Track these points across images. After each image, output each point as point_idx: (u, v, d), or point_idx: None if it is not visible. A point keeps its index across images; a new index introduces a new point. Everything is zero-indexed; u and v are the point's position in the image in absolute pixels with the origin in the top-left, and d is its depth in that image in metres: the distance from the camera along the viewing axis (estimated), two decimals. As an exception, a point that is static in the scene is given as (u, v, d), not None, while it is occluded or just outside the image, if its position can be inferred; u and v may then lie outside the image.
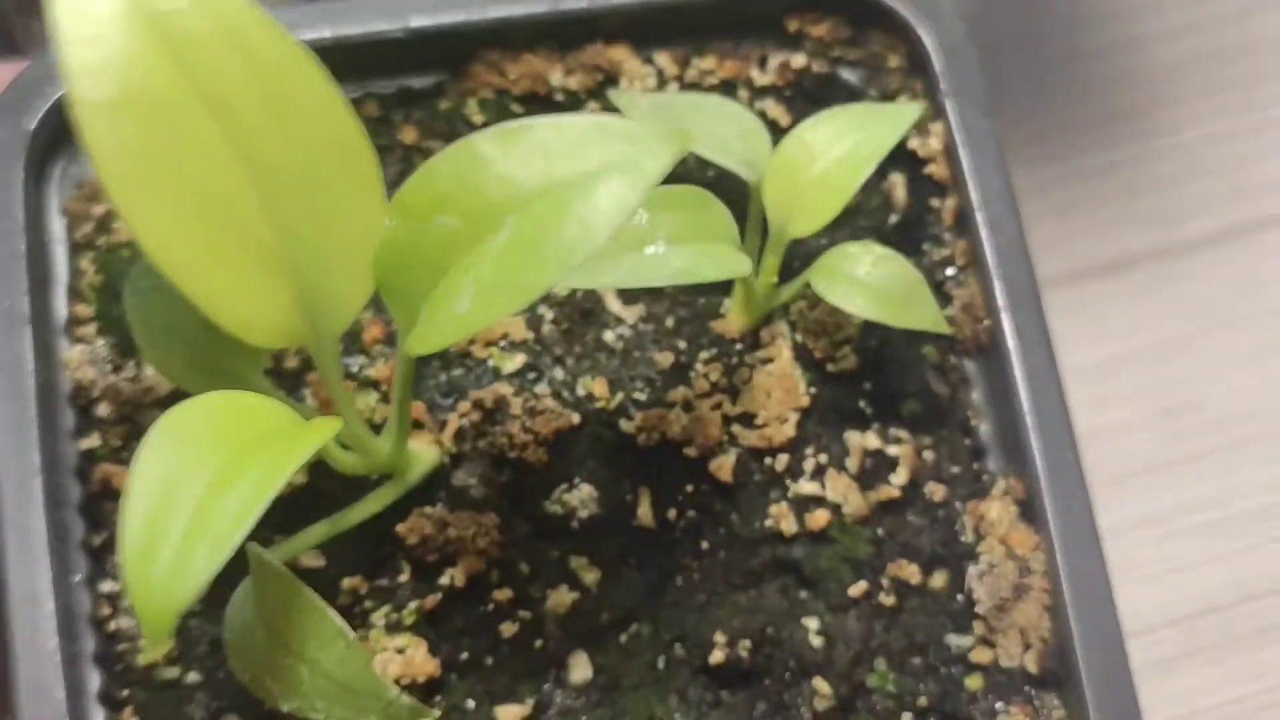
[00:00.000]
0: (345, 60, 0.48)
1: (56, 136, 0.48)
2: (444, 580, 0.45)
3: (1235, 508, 0.77)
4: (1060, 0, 0.86)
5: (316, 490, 0.46)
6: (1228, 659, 0.74)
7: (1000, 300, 0.47)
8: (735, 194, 0.47)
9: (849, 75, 0.51)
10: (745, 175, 0.46)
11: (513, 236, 0.38)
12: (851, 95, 0.50)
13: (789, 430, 0.47)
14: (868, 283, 0.45)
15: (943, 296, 0.49)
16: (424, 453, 0.46)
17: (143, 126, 0.38)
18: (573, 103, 0.50)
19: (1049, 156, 0.83)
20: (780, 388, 0.47)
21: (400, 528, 0.45)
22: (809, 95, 0.50)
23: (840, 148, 0.46)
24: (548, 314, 0.48)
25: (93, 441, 0.46)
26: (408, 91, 0.50)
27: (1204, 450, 0.78)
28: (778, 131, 0.50)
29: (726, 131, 0.47)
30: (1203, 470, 0.78)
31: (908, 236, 0.49)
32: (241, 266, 0.39)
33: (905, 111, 0.46)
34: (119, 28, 0.37)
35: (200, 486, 0.36)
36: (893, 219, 0.50)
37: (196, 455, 0.37)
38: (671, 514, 0.47)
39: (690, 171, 0.49)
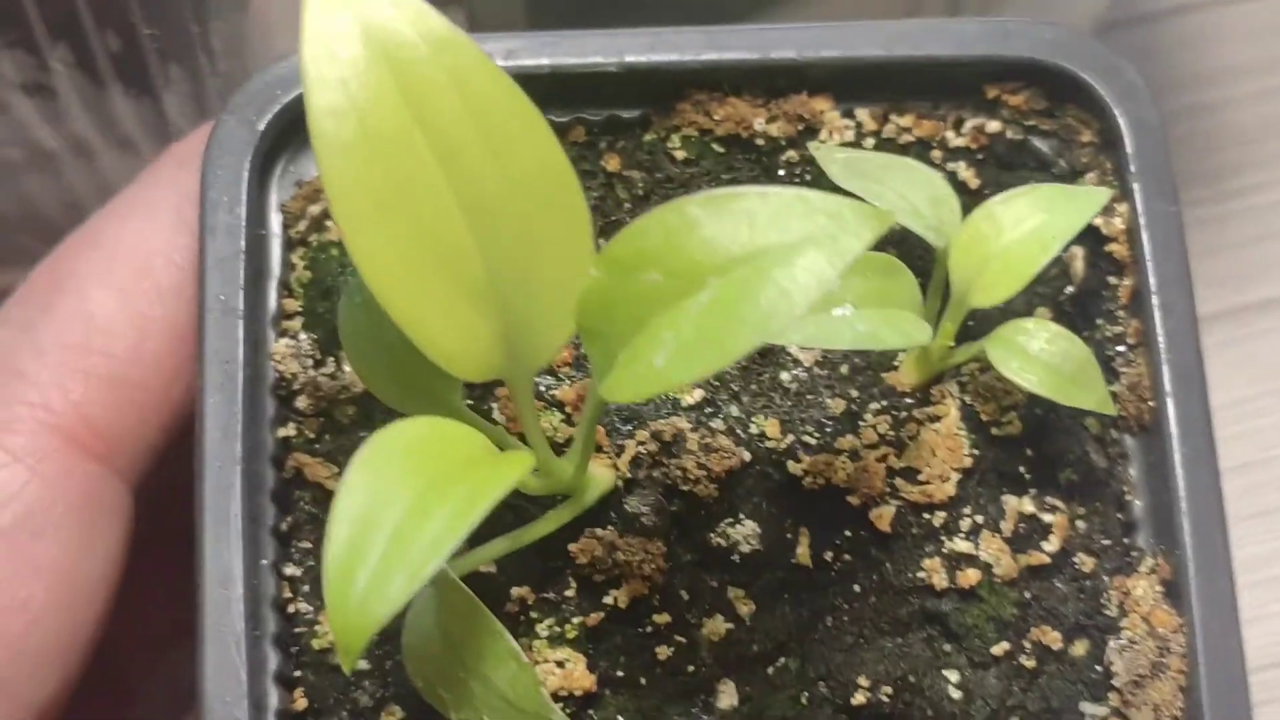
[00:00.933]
0: (560, 87, 0.48)
1: (282, 136, 0.48)
2: (607, 600, 0.45)
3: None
4: (1142, 65, 0.84)
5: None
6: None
7: (1167, 384, 0.46)
8: (918, 250, 0.46)
9: (1041, 144, 0.50)
10: (932, 241, 0.45)
11: (714, 298, 0.38)
12: (1041, 164, 0.49)
13: (949, 489, 0.46)
14: (1041, 359, 0.44)
15: (1111, 372, 0.48)
16: (600, 475, 0.46)
17: (374, 165, 0.38)
18: (772, 148, 0.49)
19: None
20: (945, 447, 0.46)
21: (573, 547, 0.45)
22: (1000, 160, 0.49)
23: (1027, 225, 0.45)
24: (727, 351, 0.47)
25: (289, 431, 0.47)
26: (615, 120, 0.49)
27: (1276, 506, 0.77)
28: (965, 193, 0.49)
29: (917, 196, 0.46)
30: (1275, 525, 0.77)
31: (1082, 309, 0.48)
32: (452, 301, 0.39)
33: (1094, 196, 0.45)
34: (362, 72, 0.37)
35: (400, 512, 0.36)
36: (1069, 290, 0.49)
37: (398, 481, 0.37)
38: (828, 556, 0.46)
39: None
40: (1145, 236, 0.48)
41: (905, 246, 0.48)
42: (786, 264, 0.37)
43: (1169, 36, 0.86)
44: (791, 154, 0.50)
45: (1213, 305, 0.82)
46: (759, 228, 0.38)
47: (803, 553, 0.47)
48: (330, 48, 0.38)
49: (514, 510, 0.46)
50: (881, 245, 0.46)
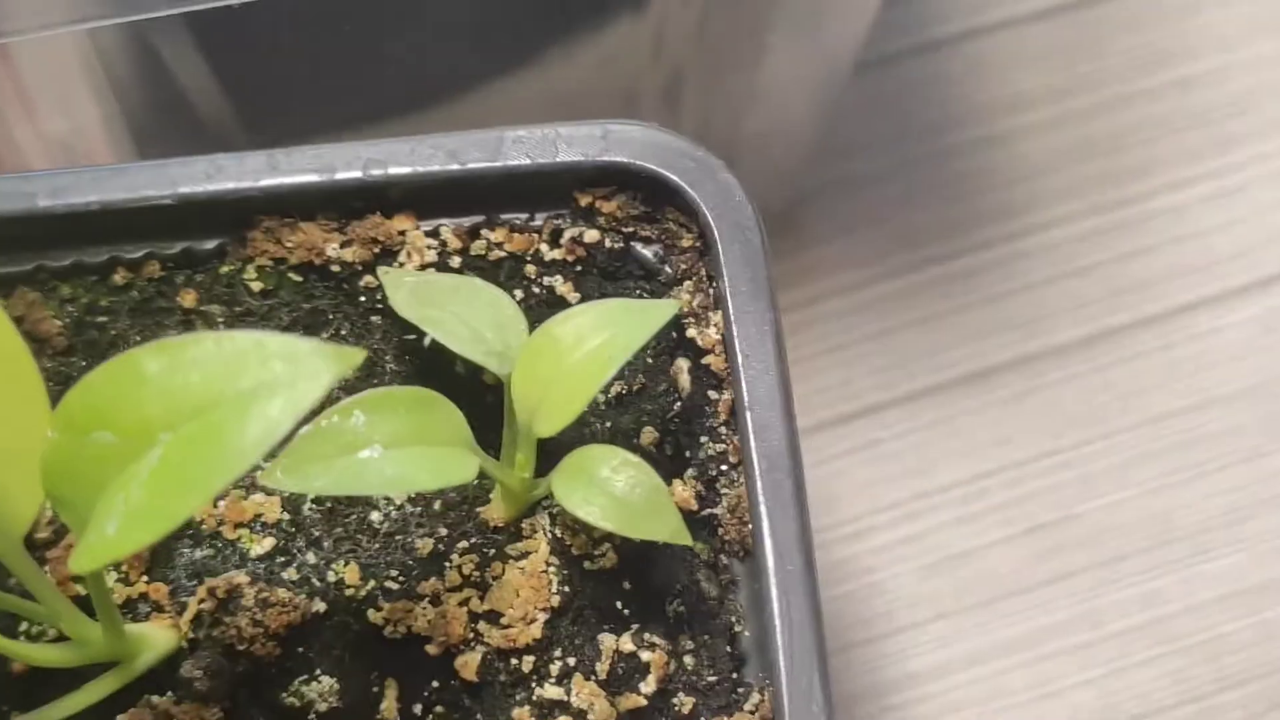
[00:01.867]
0: (121, 223, 0.42)
1: None
2: (164, 773, 0.39)
3: (1108, 628, 0.69)
4: (921, 98, 0.78)
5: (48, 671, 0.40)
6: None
7: (761, 506, 0.41)
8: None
9: (644, 251, 0.45)
10: (495, 369, 0.40)
11: (164, 456, 0.34)
12: (646, 273, 0.45)
13: (535, 631, 0.41)
14: (606, 489, 0.40)
15: (715, 493, 0.42)
16: (159, 637, 0.41)
17: None
18: (349, 274, 0.45)
19: (913, 262, 0.76)
20: (529, 585, 0.41)
21: (120, 718, 0.39)
22: (602, 271, 0.44)
23: (588, 345, 0.40)
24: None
25: None
26: (191, 253, 0.45)
27: (1075, 568, 0.71)
28: (563, 309, 0.43)
29: (481, 321, 0.41)
30: (1074, 589, 0.71)
31: (688, 427, 0.43)
32: None
33: (659, 310, 0.40)
34: None
35: None
36: (677, 406, 0.44)
37: None
38: (418, 709, 0.42)
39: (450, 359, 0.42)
40: (739, 347, 0.43)
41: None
42: (239, 415, 0.33)
43: (953, 65, 0.81)
44: (370, 279, 0.45)
45: (1004, 354, 0.76)
46: (212, 378, 0.34)
47: (389, 707, 0.42)
48: None
49: (75, 681, 0.40)
50: (477, 368, 0.43)
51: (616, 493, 0.41)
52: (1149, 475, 0.73)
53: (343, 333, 0.46)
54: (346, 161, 0.45)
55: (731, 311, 0.44)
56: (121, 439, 0.34)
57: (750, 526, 0.43)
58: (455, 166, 0.45)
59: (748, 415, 0.43)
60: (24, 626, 0.43)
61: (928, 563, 0.72)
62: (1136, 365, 0.75)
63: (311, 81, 0.58)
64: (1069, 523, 0.73)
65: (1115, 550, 0.72)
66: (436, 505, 0.44)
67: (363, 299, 0.46)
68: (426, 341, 0.45)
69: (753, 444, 0.43)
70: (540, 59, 0.59)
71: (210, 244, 0.46)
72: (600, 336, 0.41)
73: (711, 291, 0.45)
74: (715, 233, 0.44)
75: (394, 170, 0.45)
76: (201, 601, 0.42)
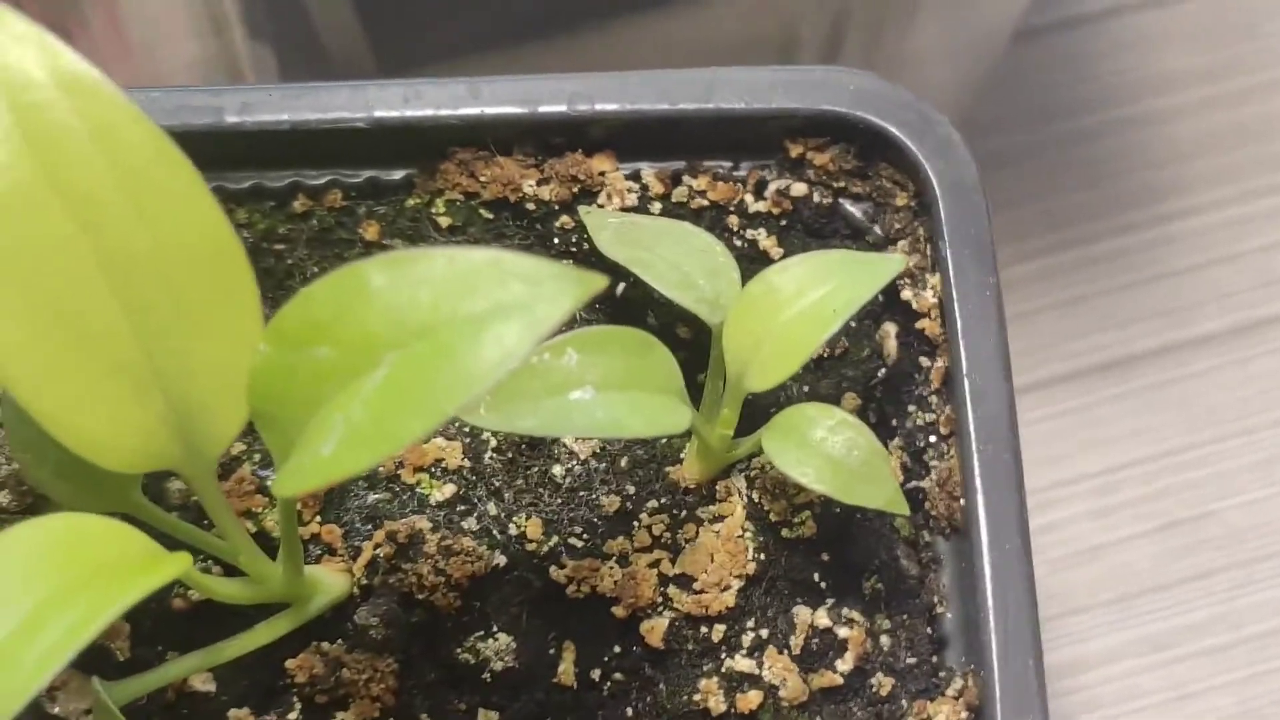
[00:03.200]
0: (307, 146, 0.40)
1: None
2: (334, 723, 0.37)
3: (1247, 630, 0.67)
4: (1069, 74, 0.75)
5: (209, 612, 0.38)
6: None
7: (977, 481, 0.38)
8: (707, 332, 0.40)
9: (853, 209, 0.42)
10: (706, 317, 0.38)
11: (389, 376, 0.31)
12: (855, 231, 0.42)
13: (729, 599, 0.39)
14: (822, 450, 0.38)
15: (922, 465, 0.40)
16: (332, 581, 0.39)
17: (-5, 227, 0.30)
18: (544, 213, 0.42)
19: (1053, 243, 0.73)
20: (725, 551, 0.39)
21: (290, 663, 0.38)
22: (807, 227, 0.42)
23: (809, 298, 0.38)
24: (491, 440, 0.40)
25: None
26: (376, 183, 0.42)
27: (1214, 567, 0.68)
28: (766, 265, 0.41)
29: (693, 266, 0.38)
30: (1211, 589, 0.68)
31: (893, 394, 0.41)
32: (95, 384, 0.33)
33: (886, 264, 0.38)
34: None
35: (12, 624, 0.30)
36: (881, 372, 0.42)
37: (19, 590, 0.30)
38: (595, 674, 0.40)
39: (652, 301, 0.39)
40: (957, 312, 0.40)
41: (694, 325, 0.40)
42: (472, 337, 0.30)
43: (1100, 42, 0.78)
44: (566, 219, 0.43)
45: (1148, 341, 0.73)
46: (444, 296, 0.31)
47: (566, 671, 0.40)
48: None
49: (249, 620, 0.38)
50: (670, 321, 0.40)
51: (833, 454, 0.38)
52: (1292, 474, 0.71)
53: (533, 274, 0.43)
54: (551, 94, 0.42)
55: (952, 274, 0.41)
56: (342, 355, 0.32)
57: (961, 502, 0.40)
58: (665, 106, 0.42)
59: (965, 383, 0.40)
60: (187, 562, 0.41)
61: (1061, 555, 0.69)
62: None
63: (450, 14, 0.56)
64: (1207, 520, 0.70)
65: (1255, 550, 0.70)
66: (623, 462, 0.42)
67: (556, 240, 0.43)
68: (619, 290, 0.43)
69: (969, 413, 0.40)
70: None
71: (397, 174, 0.43)
72: (822, 289, 0.39)
73: (929, 253, 0.42)
74: (936, 191, 0.42)
75: (600, 106, 0.42)
76: (378, 546, 0.40)
